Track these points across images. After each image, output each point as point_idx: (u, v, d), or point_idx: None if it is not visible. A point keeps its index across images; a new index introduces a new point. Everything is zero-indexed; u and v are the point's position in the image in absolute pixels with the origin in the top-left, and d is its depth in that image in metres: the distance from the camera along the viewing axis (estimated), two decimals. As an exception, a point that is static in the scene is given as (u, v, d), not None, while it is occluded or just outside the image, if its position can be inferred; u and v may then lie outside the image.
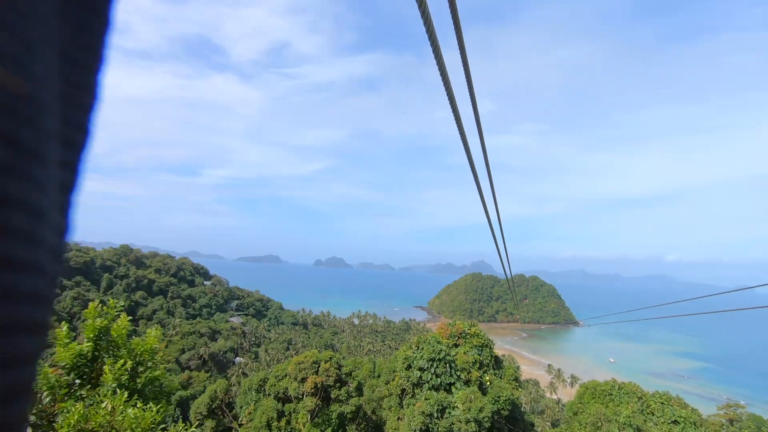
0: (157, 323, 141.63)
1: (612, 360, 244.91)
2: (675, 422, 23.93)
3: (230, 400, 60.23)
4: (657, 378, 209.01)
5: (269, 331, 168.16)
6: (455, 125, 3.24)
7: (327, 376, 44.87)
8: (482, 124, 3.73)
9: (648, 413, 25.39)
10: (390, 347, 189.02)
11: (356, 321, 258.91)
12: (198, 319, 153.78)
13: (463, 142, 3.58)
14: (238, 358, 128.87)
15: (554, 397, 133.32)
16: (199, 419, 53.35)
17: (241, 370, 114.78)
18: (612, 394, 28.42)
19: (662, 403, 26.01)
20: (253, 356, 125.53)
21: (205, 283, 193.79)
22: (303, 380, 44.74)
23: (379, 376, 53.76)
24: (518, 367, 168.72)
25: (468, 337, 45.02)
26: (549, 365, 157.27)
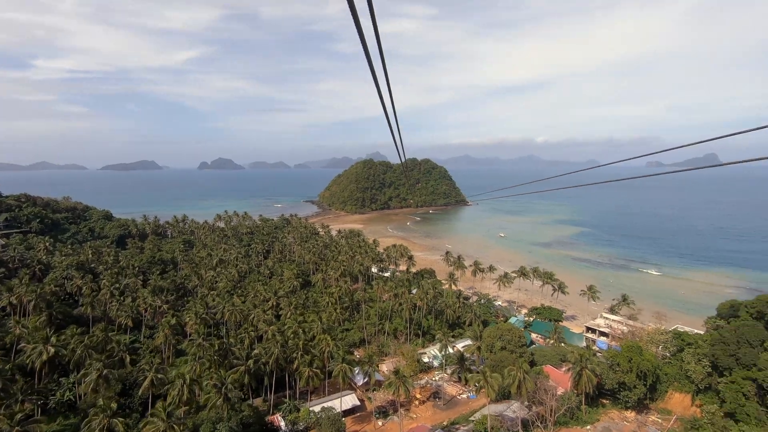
0: None
1: (502, 234, 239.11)
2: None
3: None
4: (546, 248, 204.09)
5: (53, 253, 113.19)
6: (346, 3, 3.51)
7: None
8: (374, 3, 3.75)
9: None
10: (258, 252, 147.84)
11: (221, 224, 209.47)
12: None
13: (355, 23, 3.63)
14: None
15: (455, 288, 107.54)
16: None
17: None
18: None
19: None
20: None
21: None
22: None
23: None
24: (411, 257, 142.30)
25: None
26: (447, 253, 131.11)
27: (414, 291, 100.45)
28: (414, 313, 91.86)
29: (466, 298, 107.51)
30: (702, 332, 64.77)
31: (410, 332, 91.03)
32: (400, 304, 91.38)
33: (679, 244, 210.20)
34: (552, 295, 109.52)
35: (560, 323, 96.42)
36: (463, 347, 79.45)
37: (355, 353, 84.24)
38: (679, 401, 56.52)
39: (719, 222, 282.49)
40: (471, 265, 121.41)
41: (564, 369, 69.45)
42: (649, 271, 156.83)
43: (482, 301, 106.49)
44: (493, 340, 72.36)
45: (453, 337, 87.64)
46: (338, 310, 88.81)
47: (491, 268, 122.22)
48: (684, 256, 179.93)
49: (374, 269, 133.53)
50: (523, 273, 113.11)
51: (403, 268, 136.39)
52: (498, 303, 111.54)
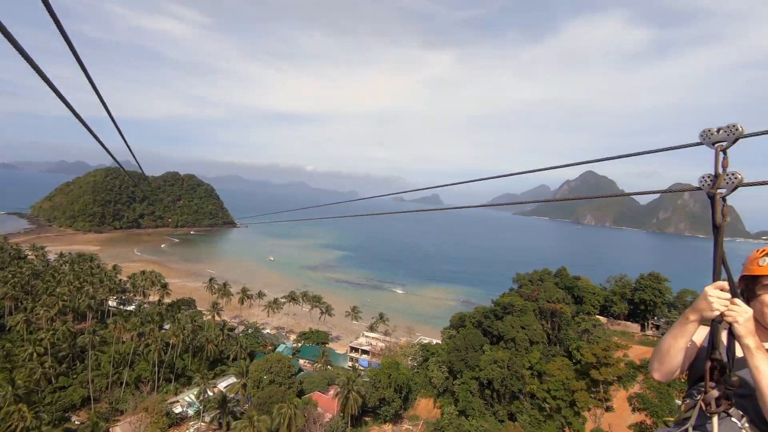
0: None
1: (272, 258, 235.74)
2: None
3: None
4: (312, 271, 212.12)
5: None
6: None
7: None
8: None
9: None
10: None
11: None
12: None
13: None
14: None
15: (219, 319, 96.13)
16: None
17: None
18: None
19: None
20: None
21: None
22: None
23: None
24: (165, 285, 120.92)
25: None
26: (211, 279, 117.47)
27: (167, 326, 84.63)
28: (166, 353, 76.51)
29: (232, 329, 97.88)
30: (440, 341, 77.41)
31: (159, 378, 75.13)
32: (147, 345, 74.61)
33: (417, 266, 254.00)
34: (320, 318, 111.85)
35: (327, 345, 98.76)
36: (226, 387, 70.37)
37: (74, 419, 63.19)
38: (424, 406, 64.76)
39: (443, 248, 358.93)
40: (239, 292, 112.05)
41: (332, 393, 69.86)
42: (396, 290, 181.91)
43: (249, 330, 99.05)
44: (261, 373, 66.70)
45: (215, 376, 77.24)
46: (49, 363, 65.32)
47: (261, 294, 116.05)
48: (421, 276, 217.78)
49: (113, 302, 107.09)
50: (292, 298, 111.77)
51: (154, 298, 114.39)
52: (266, 331, 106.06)
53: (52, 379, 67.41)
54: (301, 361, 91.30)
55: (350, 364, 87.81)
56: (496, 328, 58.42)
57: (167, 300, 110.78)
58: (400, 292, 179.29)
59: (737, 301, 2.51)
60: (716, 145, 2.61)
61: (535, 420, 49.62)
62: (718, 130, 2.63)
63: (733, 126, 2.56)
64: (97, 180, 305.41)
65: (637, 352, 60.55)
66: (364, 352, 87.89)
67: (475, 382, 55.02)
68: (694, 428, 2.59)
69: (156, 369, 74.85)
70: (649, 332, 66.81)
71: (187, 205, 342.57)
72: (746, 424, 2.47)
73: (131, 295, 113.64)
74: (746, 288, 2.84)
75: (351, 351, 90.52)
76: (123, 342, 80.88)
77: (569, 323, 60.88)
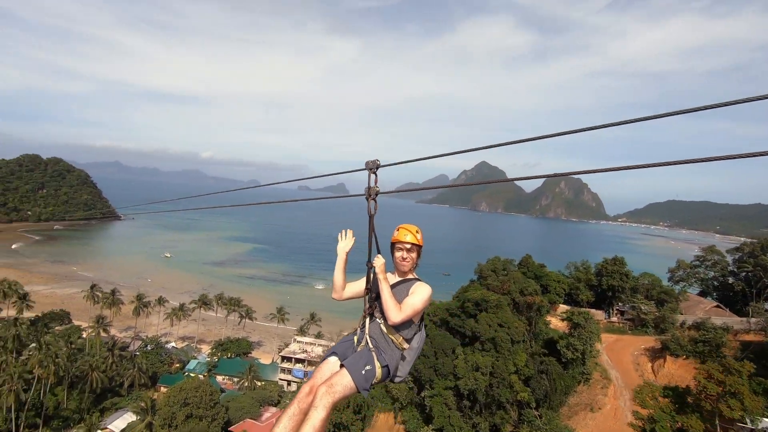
0: None
1: (168, 255, 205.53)
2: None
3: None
4: (220, 267, 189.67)
5: None
6: None
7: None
8: None
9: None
10: None
11: None
12: None
13: None
14: None
15: (105, 335, 75.88)
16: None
17: None
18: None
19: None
20: None
21: None
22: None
23: None
24: (25, 295, 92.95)
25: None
26: (93, 286, 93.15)
27: (30, 352, 63.42)
28: (29, 390, 56.57)
29: (124, 348, 78.43)
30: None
31: (20, 426, 55.19)
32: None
33: (331, 257, 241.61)
34: (239, 323, 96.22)
35: (250, 355, 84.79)
36: (123, 429, 53.91)
37: None
38: (384, 422, 56.38)
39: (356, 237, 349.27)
40: (133, 300, 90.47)
41: (266, 417, 57.73)
42: (316, 285, 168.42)
43: (148, 347, 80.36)
44: (175, 407, 51.77)
45: (104, 413, 59.52)
46: None
47: (161, 300, 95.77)
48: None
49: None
50: (204, 302, 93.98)
51: (9, 314, 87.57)
52: (171, 344, 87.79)
53: None
54: (219, 378, 76.43)
55: (283, 377, 75.40)
56: (470, 328, 51.87)
57: (29, 314, 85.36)
58: (320, 287, 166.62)
59: (379, 255, 4.67)
60: (371, 169, 4.56)
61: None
62: (372, 161, 4.55)
63: (376, 160, 4.56)
64: None
65: (608, 341, 59.72)
66: (298, 360, 76.04)
67: (451, 393, 48.03)
68: (360, 329, 4.58)
69: (14, 415, 54.75)
70: (614, 319, 66.72)
71: (53, 195, 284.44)
72: (382, 321, 4.46)
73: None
74: (392, 249, 4.92)
75: (282, 361, 77.81)
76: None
77: (541, 316, 57.38)
